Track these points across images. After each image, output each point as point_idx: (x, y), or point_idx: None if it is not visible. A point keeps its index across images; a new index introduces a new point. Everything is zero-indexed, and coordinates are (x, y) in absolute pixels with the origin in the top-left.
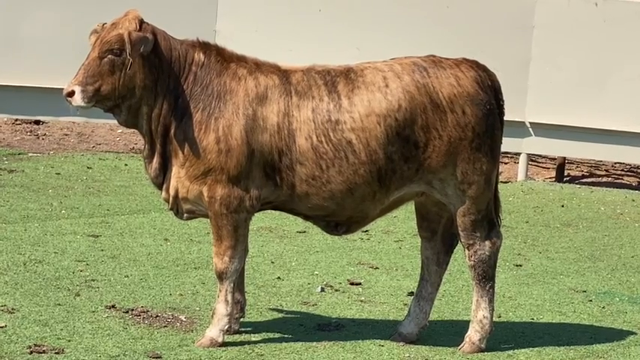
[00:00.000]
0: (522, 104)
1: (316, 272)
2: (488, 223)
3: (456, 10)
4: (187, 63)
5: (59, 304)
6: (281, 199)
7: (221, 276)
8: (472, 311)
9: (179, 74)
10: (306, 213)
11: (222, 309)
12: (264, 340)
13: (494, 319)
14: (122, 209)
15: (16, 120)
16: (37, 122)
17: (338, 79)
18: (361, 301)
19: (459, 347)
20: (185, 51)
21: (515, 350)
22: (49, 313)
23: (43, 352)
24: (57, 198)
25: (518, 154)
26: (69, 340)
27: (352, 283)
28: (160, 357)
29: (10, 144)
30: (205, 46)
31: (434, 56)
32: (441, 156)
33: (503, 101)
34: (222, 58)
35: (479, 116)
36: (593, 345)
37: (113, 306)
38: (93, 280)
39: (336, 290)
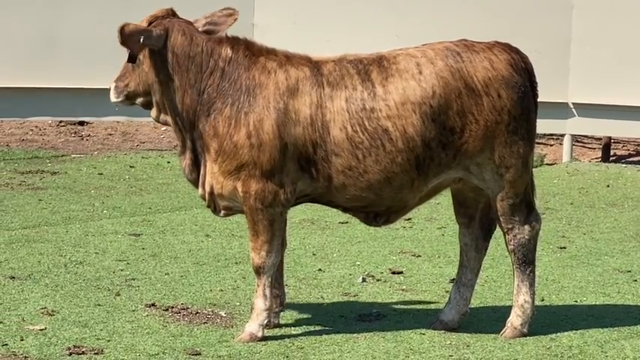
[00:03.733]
0: (565, 85)
1: (358, 262)
2: (526, 206)
3: None
4: (213, 58)
5: (99, 305)
6: (318, 192)
7: (258, 271)
8: (514, 296)
9: (202, 69)
10: (344, 205)
11: (260, 304)
12: (304, 333)
13: (537, 302)
14: (164, 207)
15: (61, 122)
16: (82, 123)
17: (371, 68)
18: (403, 290)
19: (501, 333)
20: (211, 47)
21: (558, 333)
22: (89, 314)
23: (83, 353)
24: (99, 198)
25: (563, 135)
26: (108, 340)
27: (394, 272)
28: (200, 354)
29: (55, 146)
30: (233, 41)
31: (466, 40)
32: (478, 140)
33: (536, 83)
34: (251, 52)
35: (514, 99)
36: (638, 325)
37: (153, 304)
38: (133, 279)
39: (378, 280)
